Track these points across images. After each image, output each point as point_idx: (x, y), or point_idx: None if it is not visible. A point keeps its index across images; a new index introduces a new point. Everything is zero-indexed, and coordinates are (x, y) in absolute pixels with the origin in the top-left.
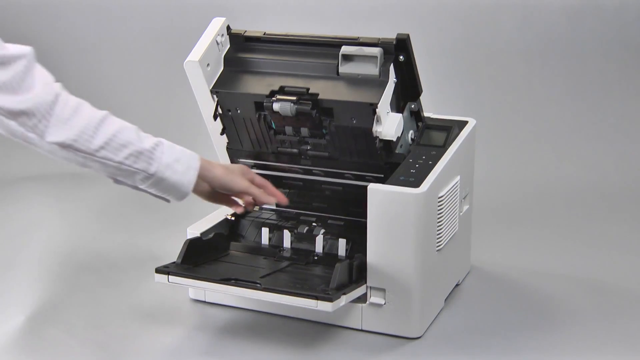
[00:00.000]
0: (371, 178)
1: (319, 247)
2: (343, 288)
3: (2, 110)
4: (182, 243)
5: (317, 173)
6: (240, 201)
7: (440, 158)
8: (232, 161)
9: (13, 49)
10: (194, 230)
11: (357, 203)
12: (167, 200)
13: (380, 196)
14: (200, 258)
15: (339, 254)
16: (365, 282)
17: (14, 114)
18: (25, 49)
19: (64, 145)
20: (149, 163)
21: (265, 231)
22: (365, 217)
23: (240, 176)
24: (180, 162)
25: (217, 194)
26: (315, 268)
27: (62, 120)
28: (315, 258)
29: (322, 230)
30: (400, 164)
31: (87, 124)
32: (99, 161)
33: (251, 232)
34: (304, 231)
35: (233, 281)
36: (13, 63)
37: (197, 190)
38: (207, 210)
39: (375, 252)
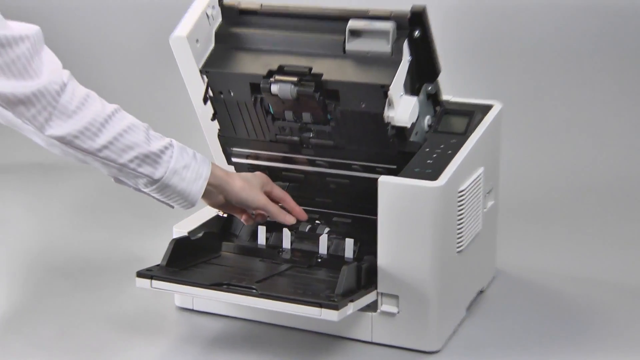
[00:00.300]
0: (382, 170)
1: (322, 247)
2: (350, 294)
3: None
4: (168, 243)
5: (321, 164)
6: (249, 222)
7: (461, 147)
8: (225, 151)
9: (17, 28)
10: (181, 229)
11: (366, 198)
12: (171, 206)
13: (393, 190)
14: (187, 260)
15: (346, 255)
16: (376, 288)
17: (12, 103)
18: (31, 29)
19: (64, 141)
20: (155, 168)
21: (262, 230)
22: (376, 214)
23: (259, 191)
24: (189, 169)
25: (231, 205)
26: (319, 272)
27: (66, 112)
28: (319, 260)
29: (327, 229)
30: (416, 154)
31: (94, 119)
32: (100, 161)
33: (246, 231)
34: (306, 230)
35: (225, 286)
36: (15, 45)
37: (210, 201)
38: (197, 206)
39: (387, 253)
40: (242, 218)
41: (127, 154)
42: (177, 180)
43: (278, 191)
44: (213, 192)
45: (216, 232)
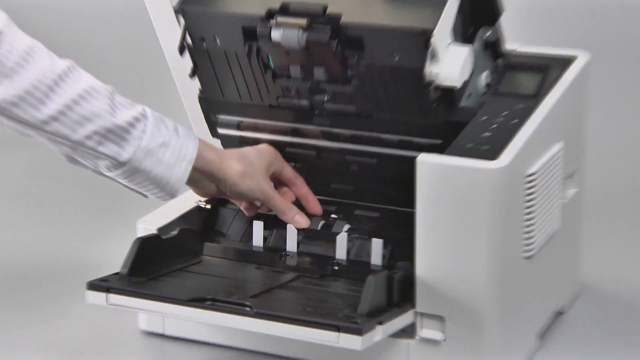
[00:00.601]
0: (422, 145)
1: (341, 251)
2: (379, 314)
3: None
4: (131, 244)
5: (339, 137)
6: (252, 212)
7: (531, 114)
8: (208, 119)
9: None
10: (148, 225)
11: (400, 184)
12: (144, 196)
13: (436, 173)
14: (157, 267)
15: (372, 261)
16: (414, 307)
17: None
18: None
19: None
20: (121, 146)
21: (258, 226)
22: (413, 206)
23: (263, 176)
24: (169, 148)
25: (226, 196)
26: (336, 283)
27: (2, 71)
28: (336, 268)
29: (347, 226)
30: (468, 124)
31: (39, 80)
32: (47, 136)
33: (237, 228)
34: (318, 227)
35: (208, 302)
36: None
37: (198, 189)
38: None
39: (427, 259)
40: (242, 206)
41: (83, 128)
42: (151, 163)
43: (289, 172)
44: (201, 180)
45: (196, 229)
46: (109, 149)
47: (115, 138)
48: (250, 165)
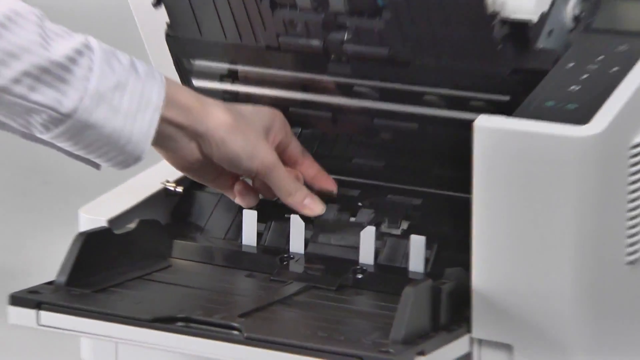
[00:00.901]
0: (482, 104)
1: (366, 252)
2: (419, 341)
3: None
4: (71, 242)
5: (365, 93)
6: (250, 197)
7: (637, 62)
8: (179, 67)
9: None
10: (95, 215)
11: (451, 159)
12: (96, 166)
13: (502, 143)
14: (107, 274)
15: (411, 267)
16: (469, 331)
17: None
18: None
19: None
20: (62, 91)
21: (250, 218)
22: (468, 191)
23: (261, 138)
24: (126, 90)
25: (208, 165)
26: (359, 298)
27: None
28: (359, 277)
29: (375, 217)
30: (548, 74)
31: None
32: None
33: (220, 220)
34: (333, 217)
35: (180, 324)
36: None
37: (171, 153)
38: (129, 171)
39: (489, 264)
40: (235, 189)
41: (8, 69)
42: (104, 113)
43: (296, 148)
44: (175, 137)
45: (162, 220)
46: (45, 95)
47: (53, 80)
48: (241, 119)
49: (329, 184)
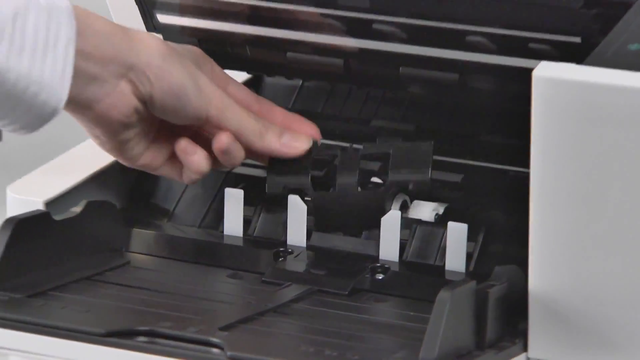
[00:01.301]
0: (544, 46)
1: (389, 244)
2: None
3: None
4: None
5: (387, 33)
6: (200, 155)
7: None
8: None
9: None
10: (28, 195)
11: (502, 120)
12: None
13: (572, 97)
14: (46, 273)
15: (448, 265)
16: (525, 350)
17: None
18: None
19: None
20: None
21: (233, 199)
22: (525, 164)
23: (202, 74)
24: (28, 20)
25: (152, 135)
26: (379, 305)
27: None
28: (379, 277)
29: (402, 198)
30: (631, 7)
31: None
32: None
33: (194, 202)
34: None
35: (142, 338)
36: None
37: (101, 119)
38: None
39: (552, 262)
40: (177, 148)
41: None
42: (3, 52)
43: (241, 88)
44: (99, 76)
45: (118, 202)
46: None
47: None
48: (172, 47)
49: (306, 127)
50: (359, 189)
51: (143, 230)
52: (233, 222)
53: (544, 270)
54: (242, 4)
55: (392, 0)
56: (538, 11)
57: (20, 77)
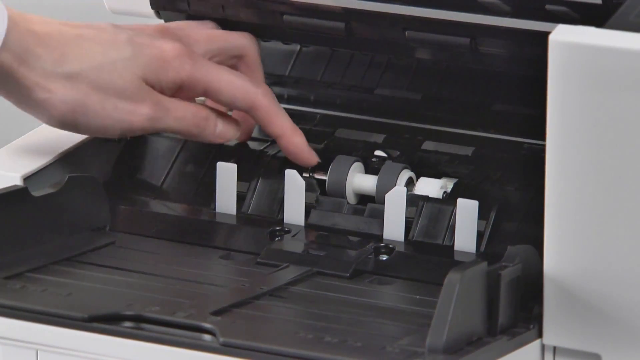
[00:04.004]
0: (562, 8)
1: (394, 223)
2: (468, 349)
3: None
4: None
5: None
6: None
7: None
8: None
9: None
10: (5, 169)
11: (516, 89)
12: None
13: (591, 62)
14: (23, 255)
15: (457, 246)
16: (539, 336)
17: None
18: None
19: None
20: None
21: (226, 172)
22: (540, 137)
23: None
24: None
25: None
26: (382, 288)
27: None
28: (383, 258)
29: (407, 174)
30: None
31: None
32: None
33: (182, 177)
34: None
35: (128, 324)
36: None
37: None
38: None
39: (568, 241)
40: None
41: None
42: None
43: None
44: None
45: (101, 177)
46: None
47: None
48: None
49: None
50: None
51: (128, 208)
52: (226, 198)
53: (560, 251)
54: None
55: None
56: None
57: None
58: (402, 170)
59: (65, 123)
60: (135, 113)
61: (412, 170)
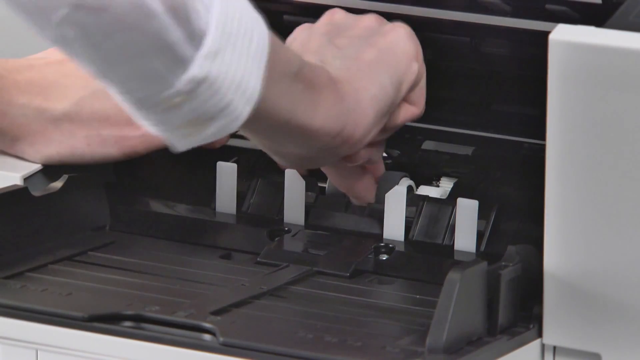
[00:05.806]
0: (562, 8)
1: (394, 223)
2: (468, 349)
3: None
4: None
5: None
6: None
7: None
8: None
9: None
10: (5, 169)
11: (516, 88)
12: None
13: (591, 62)
14: (22, 254)
15: (458, 245)
16: (539, 335)
17: None
18: None
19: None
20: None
21: (226, 171)
22: (540, 136)
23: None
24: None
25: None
26: (383, 288)
27: None
28: (383, 258)
29: (407, 182)
30: None
31: None
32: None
33: (183, 177)
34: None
35: (128, 323)
36: None
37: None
38: None
39: (568, 241)
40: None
41: None
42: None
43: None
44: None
45: (100, 177)
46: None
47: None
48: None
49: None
50: None
51: (129, 207)
52: (226, 198)
53: (560, 250)
54: None
55: None
56: None
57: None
58: (401, 179)
59: (62, 162)
60: (128, 137)
61: (411, 179)
